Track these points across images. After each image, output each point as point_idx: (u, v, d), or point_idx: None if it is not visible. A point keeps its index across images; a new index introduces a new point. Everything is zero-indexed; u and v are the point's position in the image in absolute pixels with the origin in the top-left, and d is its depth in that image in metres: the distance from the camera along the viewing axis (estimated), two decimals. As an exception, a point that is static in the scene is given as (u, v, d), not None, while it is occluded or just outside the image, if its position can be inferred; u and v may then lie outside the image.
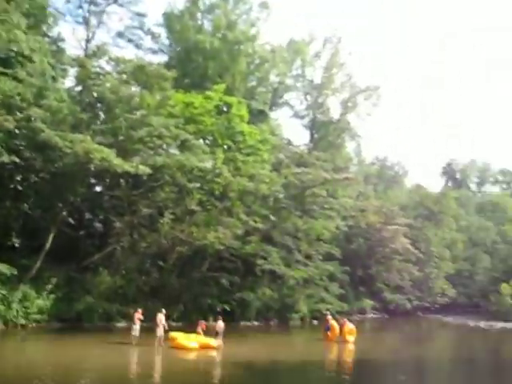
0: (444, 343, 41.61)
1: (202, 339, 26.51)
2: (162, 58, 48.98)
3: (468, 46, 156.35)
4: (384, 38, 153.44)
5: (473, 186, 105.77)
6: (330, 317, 35.55)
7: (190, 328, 28.22)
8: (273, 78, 54.26)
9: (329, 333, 33.45)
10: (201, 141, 38.50)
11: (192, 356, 24.69)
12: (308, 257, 46.42)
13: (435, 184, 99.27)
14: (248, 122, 40.87)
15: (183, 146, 35.51)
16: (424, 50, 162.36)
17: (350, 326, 33.66)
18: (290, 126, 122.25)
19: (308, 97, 58.47)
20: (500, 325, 52.48)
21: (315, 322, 44.17)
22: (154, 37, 48.46)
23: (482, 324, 53.12)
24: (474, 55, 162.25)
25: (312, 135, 58.90)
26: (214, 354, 25.47)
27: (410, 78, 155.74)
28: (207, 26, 49.69)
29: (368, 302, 54.92)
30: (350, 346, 31.99)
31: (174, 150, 36.28)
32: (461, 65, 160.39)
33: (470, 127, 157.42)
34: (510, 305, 59.26)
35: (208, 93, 38.68)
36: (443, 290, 64.78)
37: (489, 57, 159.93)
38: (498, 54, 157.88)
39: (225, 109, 40.58)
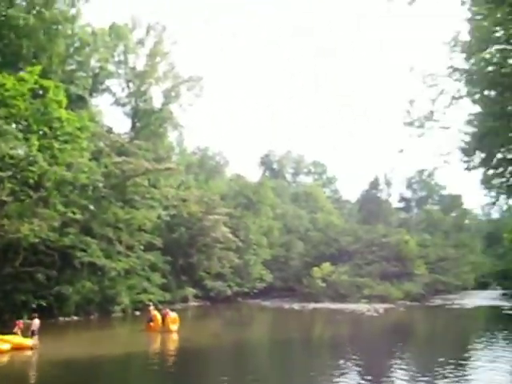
0: (262, 326, 43.83)
1: (16, 339, 24.73)
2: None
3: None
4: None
5: (288, 177, 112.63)
6: (152, 307, 35.44)
7: (2, 328, 26.16)
8: (93, 62, 52.01)
9: (151, 323, 33.33)
10: (13, 126, 35.62)
11: (4, 359, 22.90)
12: (129, 247, 45.75)
13: (254, 174, 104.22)
14: (66, 108, 38.68)
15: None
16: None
17: (172, 315, 33.83)
18: (111, 114, 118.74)
19: (130, 84, 57.17)
20: (311, 306, 56.88)
21: (138, 313, 43.64)
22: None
23: (296, 306, 57.00)
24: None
25: (134, 124, 57.76)
26: (29, 354, 23.93)
27: (235, 68, 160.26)
28: (21, 1, 45.94)
29: (190, 291, 55.70)
30: (174, 336, 32.21)
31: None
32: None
33: (287, 120, 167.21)
34: (320, 287, 64.42)
35: (22, 74, 35.88)
36: (261, 276, 68.05)
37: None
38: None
39: (41, 92, 37.95)
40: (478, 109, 19.68)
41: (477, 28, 17.30)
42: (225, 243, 59.55)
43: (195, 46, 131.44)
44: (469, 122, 20.00)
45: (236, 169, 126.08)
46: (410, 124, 19.55)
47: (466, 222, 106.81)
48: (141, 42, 57.02)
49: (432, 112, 19.54)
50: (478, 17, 17.27)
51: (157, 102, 58.44)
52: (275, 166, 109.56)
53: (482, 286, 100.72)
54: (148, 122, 57.84)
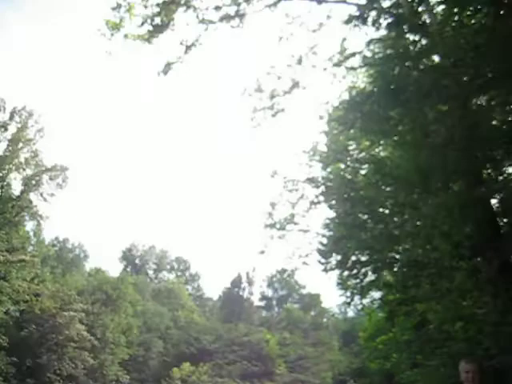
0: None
1: None
2: None
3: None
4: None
5: (151, 272, 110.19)
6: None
7: None
8: None
9: None
10: None
11: None
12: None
13: (116, 268, 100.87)
14: None
15: None
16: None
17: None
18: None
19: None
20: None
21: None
22: None
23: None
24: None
25: (-13, 210, 54.07)
26: None
27: (102, 160, 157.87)
28: None
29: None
30: None
31: None
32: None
33: (151, 215, 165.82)
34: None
35: None
36: (118, 377, 64.06)
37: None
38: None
39: None
40: (333, 214, 21.12)
41: (333, 141, 18.96)
42: (79, 342, 55.81)
43: (65, 134, 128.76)
44: (326, 226, 21.27)
45: (96, 262, 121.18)
46: (272, 226, 20.38)
47: (325, 320, 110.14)
48: (3, 126, 54.77)
49: (293, 215, 20.62)
50: (335, 131, 18.96)
51: (16, 189, 55.55)
52: (137, 260, 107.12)
53: (340, 383, 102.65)
54: (4, 209, 54.44)
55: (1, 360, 45.08)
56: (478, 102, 12.21)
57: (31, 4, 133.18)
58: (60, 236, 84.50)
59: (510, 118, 12.47)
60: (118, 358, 65.01)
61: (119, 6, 13.41)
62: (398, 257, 17.62)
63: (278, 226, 20.39)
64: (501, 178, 13.10)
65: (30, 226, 63.63)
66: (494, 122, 12.41)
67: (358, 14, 11.33)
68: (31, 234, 67.37)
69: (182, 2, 13.35)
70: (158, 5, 13.43)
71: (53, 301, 54.60)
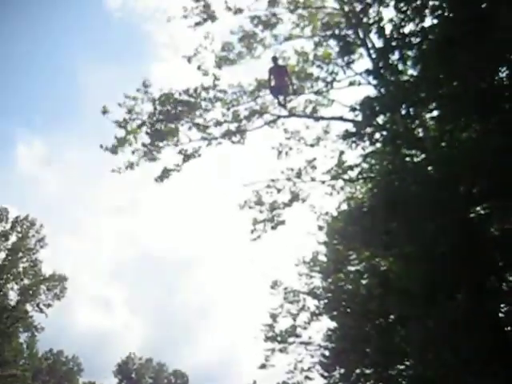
0: None
1: None
2: None
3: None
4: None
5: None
6: None
7: None
8: None
9: None
10: None
11: None
12: None
13: (111, 382, 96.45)
14: None
15: None
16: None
17: None
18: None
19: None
20: None
21: None
22: None
23: None
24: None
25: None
26: None
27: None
28: None
29: None
30: None
31: None
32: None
33: (151, 325, 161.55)
34: None
35: None
36: None
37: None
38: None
39: None
40: (335, 324, 20.65)
41: (333, 251, 18.94)
42: None
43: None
44: (328, 338, 20.74)
45: (91, 376, 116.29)
46: (273, 339, 19.88)
47: None
48: (4, 235, 54.87)
49: (294, 327, 20.17)
50: (334, 241, 19.02)
51: (12, 300, 54.52)
52: (133, 374, 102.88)
53: None
54: (-2, 320, 53.20)
55: None
56: (477, 213, 12.32)
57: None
58: (54, 348, 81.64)
59: (507, 226, 12.52)
60: None
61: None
62: (404, 373, 16.98)
63: (279, 338, 19.88)
64: (504, 286, 12.92)
65: (23, 337, 61.90)
66: (493, 231, 12.45)
67: (354, 130, 11.74)
68: (24, 345, 65.36)
69: (188, 120, 13.98)
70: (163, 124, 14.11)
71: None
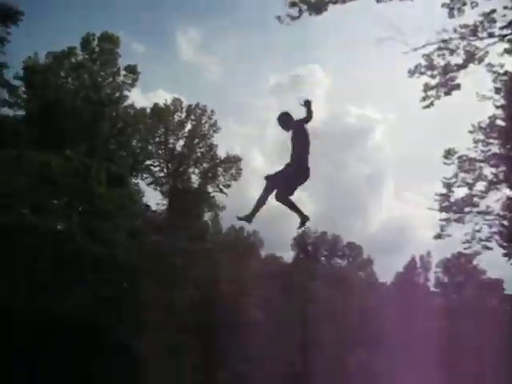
0: None
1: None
2: (19, 113, 46.52)
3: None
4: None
5: (323, 259, 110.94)
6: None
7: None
8: (134, 143, 53.89)
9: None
10: (55, 202, 36.80)
11: None
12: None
13: (289, 255, 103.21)
14: (106, 186, 39.88)
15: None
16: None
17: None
18: (149, 192, 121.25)
19: (169, 165, 58.60)
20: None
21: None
22: (13, 90, 46.00)
23: None
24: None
25: (170, 203, 58.61)
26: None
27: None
28: (70, 84, 48.58)
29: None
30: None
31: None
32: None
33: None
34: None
35: (68, 153, 37.43)
36: (292, 362, 65.48)
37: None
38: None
39: (82, 170, 39.30)
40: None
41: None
42: (256, 326, 58.07)
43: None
44: (507, 207, 19.79)
45: (271, 249, 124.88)
46: (448, 208, 19.45)
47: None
48: (181, 124, 58.85)
49: (471, 196, 19.47)
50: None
51: (194, 183, 59.51)
52: (309, 247, 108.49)
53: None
54: (185, 202, 58.61)
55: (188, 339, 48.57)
56: None
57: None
58: (236, 224, 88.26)
59: None
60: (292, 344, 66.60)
61: None
62: None
63: (454, 208, 19.38)
64: None
65: (208, 216, 67.78)
66: None
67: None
68: (210, 223, 71.64)
69: None
70: None
71: (231, 286, 57.41)
